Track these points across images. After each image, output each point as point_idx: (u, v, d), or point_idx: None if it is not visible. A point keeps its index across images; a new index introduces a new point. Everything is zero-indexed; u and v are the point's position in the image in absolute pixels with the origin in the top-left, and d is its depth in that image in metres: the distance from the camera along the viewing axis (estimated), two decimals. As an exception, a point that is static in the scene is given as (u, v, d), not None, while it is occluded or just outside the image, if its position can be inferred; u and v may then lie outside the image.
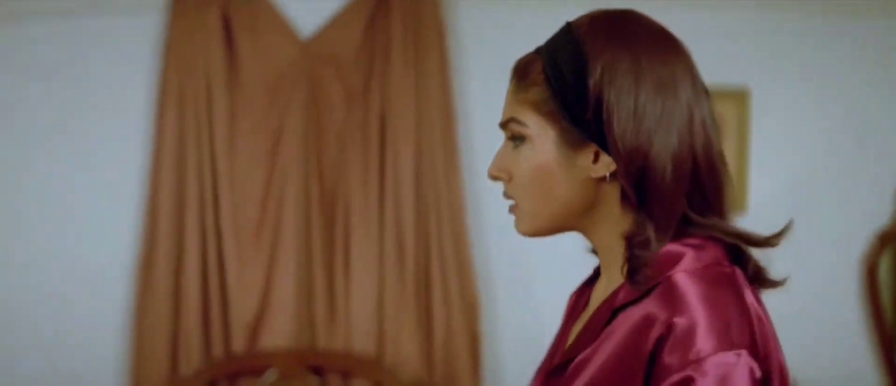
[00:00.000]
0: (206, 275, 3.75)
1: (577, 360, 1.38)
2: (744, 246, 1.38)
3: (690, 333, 1.27)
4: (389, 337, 3.75)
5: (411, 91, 3.77)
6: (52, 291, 3.83)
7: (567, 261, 4.04)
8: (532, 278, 4.01)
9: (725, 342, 1.27)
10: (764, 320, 1.34)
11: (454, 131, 3.83)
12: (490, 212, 3.92)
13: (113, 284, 3.83)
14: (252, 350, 3.80)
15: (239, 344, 3.77)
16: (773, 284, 1.43)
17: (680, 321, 1.28)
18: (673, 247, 1.34)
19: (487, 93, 4.02)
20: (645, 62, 1.31)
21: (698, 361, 1.26)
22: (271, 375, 3.76)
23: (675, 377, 1.26)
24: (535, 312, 3.93)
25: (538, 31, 1.50)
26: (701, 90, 1.37)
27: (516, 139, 1.39)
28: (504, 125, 1.41)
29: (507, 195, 1.44)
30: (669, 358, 1.28)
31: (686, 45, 1.37)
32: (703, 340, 1.27)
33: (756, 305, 1.35)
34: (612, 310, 1.37)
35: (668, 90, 1.32)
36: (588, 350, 1.37)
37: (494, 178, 1.45)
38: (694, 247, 1.34)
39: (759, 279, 1.41)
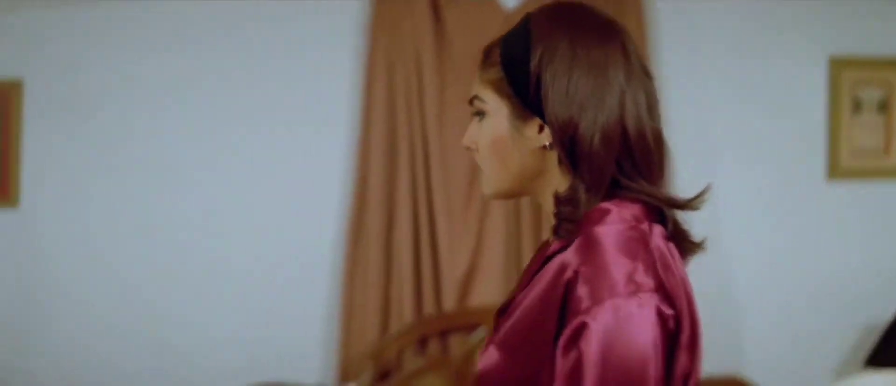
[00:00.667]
0: (417, 238, 4.02)
1: (513, 301, 1.55)
2: (665, 208, 1.51)
3: (592, 279, 1.41)
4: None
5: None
6: (265, 257, 4.28)
7: (754, 224, 3.83)
8: (725, 238, 3.98)
9: (627, 287, 1.39)
10: (674, 271, 1.45)
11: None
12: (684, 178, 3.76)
13: (323, 248, 4.22)
14: (462, 308, 4.00)
15: (449, 304, 3.99)
16: (693, 244, 1.56)
17: (585, 269, 1.42)
18: (601, 205, 1.48)
19: (679, 75, 3.90)
20: (580, 48, 1.48)
21: (594, 307, 1.38)
22: (480, 332, 3.92)
23: (575, 322, 1.39)
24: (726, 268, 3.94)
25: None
26: (637, 73, 1.50)
27: (479, 114, 1.58)
28: (470, 102, 1.59)
29: (477, 162, 1.63)
30: (573, 303, 1.41)
31: (626, 34, 1.52)
32: (601, 287, 1.39)
33: (668, 257, 1.47)
34: (543, 259, 1.53)
35: (600, 72, 1.47)
36: (521, 293, 1.53)
37: (466, 147, 1.62)
38: (618, 206, 1.47)
39: (680, 239, 1.54)
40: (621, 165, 1.48)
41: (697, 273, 3.55)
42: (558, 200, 1.49)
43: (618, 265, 1.41)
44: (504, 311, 1.57)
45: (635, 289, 1.39)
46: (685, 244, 1.55)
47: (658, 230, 1.49)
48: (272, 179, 4.31)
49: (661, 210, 1.51)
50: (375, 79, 4.06)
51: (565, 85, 1.46)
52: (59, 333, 4.45)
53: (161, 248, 4.37)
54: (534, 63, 1.48)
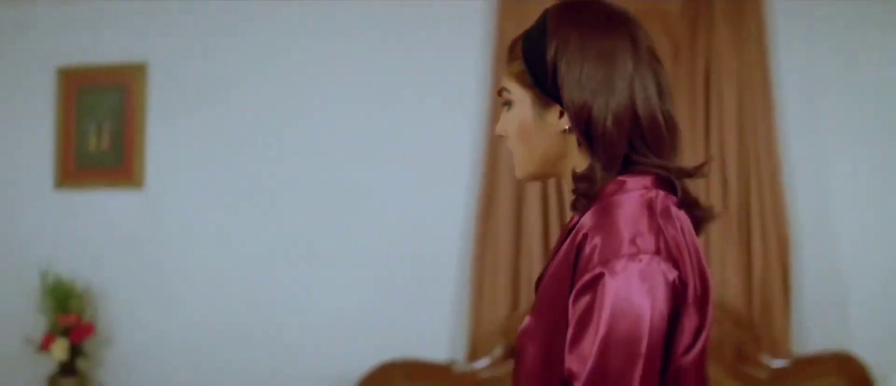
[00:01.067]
0: (546, 214, 4.23)
1: (544, 272, 1.72)
2: (675, 179, 1.65)
3: (602, 240, 1.56)
4: (714, 268, 4.05)
5: (732, 48, 4.14)
6: (396, 234, 4.44)
7: (868, 198, 4.16)
8: (833, 215, 4.24)
9: (631, 248, 1.53)
10: (680, 235, 1.60)
11: (770, 86, 4.16)
12: (796, 157, 4.22)
13: (454, 225, 4.37)
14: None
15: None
16: (704, 211, 1.70)
17: (595, 231, 1.58)
18: (617, 178, 1.64)
19: (796, 57, 4.27)
20: (589, 39, 1.64)
21: (603, 264, 1.53)
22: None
23: (589, 274, 1.54)
24: (834, 245, 4.19)
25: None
26: (646, 60, 1.65)
27: (506, 104, 1.74)
28: (499, 93, 1.76)
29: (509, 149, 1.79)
30: (583, 260, 1.57)
31: (635, 25, 1.68)
32: (609, 247, 1.55)
33: (675, 222, 1.61)
34: (567, 232, 1.71)
35: (609, 61, 1.62)
36: (549, 263, 1.72)
37: (498, 135, 1.77)
38: (631, 178, 1.63)
39: (689, 206, 1.68)
40: (634, 144, 1.62)
41: (805, 250, 4.09)
42: (575, 176, 1.66)
43: (626, 228, 1.55)
44: (539, 279, 1.74)
45: (636, 251, 1.52)
46: (696, 211, 1.69)
47: (668, 199, 1.63)
48: (403, 158, 4.45)
49: (672, 182, 1.65)
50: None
51: (578, 73, 1.61)
52: (185, 312, 4.55)
53: (287, 228, 4.51)
54: (550, 55, 1.64)
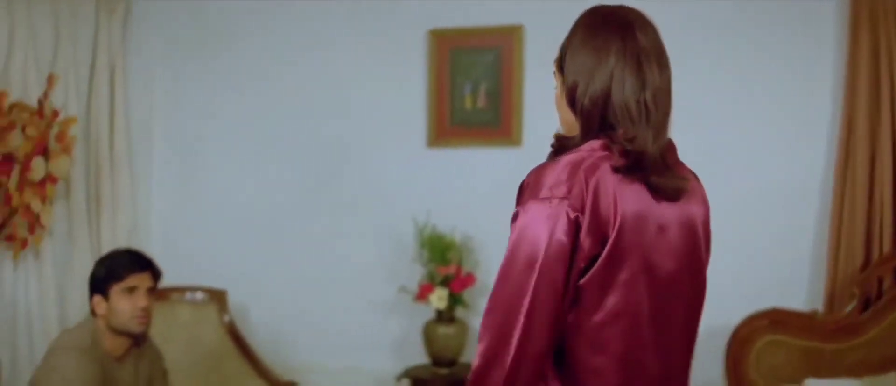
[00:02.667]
0: None
1: None
2: (625, 145, 1.97)
3: (529, 185, 1.96)
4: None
5: None
6: (757, 188, 4.60)
7: None
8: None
9: (545, 193, 1.92)
10: (599, 189, 1.92)
11: None
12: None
13: (814, 179, 4.54)
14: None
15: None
16: (664, 180, 1.99)
17: (528, 178, 1.98)
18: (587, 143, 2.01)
19: None
20: (588, 36, 2.03)
21: (521, 204, 1.95)
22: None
23: (513, 214, 1.97)
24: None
25: None
26: (632, 60, 2.00)
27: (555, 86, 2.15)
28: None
29: None
30: (516, 201, 1.99)
31: (632, 32, 2.01)
32: (529, 191, 1.95)
33: (598, 175, 1.93)
34: None
35: (597, 56, 2.00)
36: None
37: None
38: (589, 142, 1.99)
39: (645, 172, 1.98)
40: (609, 121, 1.99)
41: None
42: (557, 136, 2.09)
43: (549, 177, 1.94)
44: None
45: (550, 196, 1.91)
46: (650, 179, 1.98)
47: (606, 160, 1.96)
48: (765, 121, 4.59)
49: (625, 150, 1.98)
50: (860, 26, 4.34)
51: (573, 61, 2.04)
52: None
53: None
54: (564, 45, 2.08)
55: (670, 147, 2.09)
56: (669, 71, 2.07)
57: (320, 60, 5.14)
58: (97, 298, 3.44)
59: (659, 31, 2.06)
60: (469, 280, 4.68)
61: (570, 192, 1.92)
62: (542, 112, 4.70)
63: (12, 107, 4.35)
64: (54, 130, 4.50)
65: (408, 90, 5.01)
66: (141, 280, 3.44)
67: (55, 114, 4.51)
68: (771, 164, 4.59)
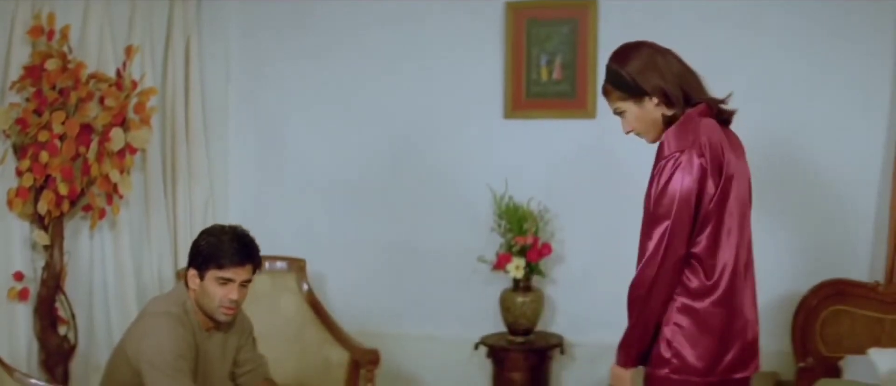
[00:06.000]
0: None
1: None
2: (713, 105, 2.95)
3: (665, 142, 2.86)
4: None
5: None
6: (819, 160, 4.64)
7: None
8: None
9: (679, 146, 2.81)
10: (713, 140, 2.84)
11: None
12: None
13: (874, 155, 4.55)
14: None
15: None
16: (727, 115, 3.00)
17: (666, 137, 2.87)
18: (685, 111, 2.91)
19: None
20: (637, 61, 2.91)
21: (670, 155, 2.81)
22: None
23: (660, 164, 2.83)
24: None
25: None
26: (667, 57, 2.92)
27: (621, 114, 3.00)
28: (615, 113, 3.07)
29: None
30: (657, 156, 2.88)
31: (655, 47, 2.94)
32: (667, 146, 2.84)
33: (708, 128, 2.85)
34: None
35: (651, 64, 2.90)
36: None
37: (629, 132, 3.06)
38: (690, 109, 2.90)
39: (723, 118, 2.99)
40: (686, 93, 2.90)
41: None
42: (665, 117, 2.91)
43: (675, 138, 2.84)
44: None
45: (682, 147, 2.81)
46: (723, 115, 2.98)
47: (706, 113, 2.91)
48: (831, 90, 4.61)
49: (710, 105, 2.93)
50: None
51: (645, 76, 2.88)
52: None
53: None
54: (628, 76, 2.91)
55: None
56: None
57: (399, 32, 5.16)
58: (192, 272, 3.42)
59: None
60: (546, 250, 4.69)
61: (692, 144, 2.80)
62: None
63: (90, 77, 4.37)
64: (133, 101, 4.52)
65: (485, 62, 5.02)
66: (239, 273, 3.39)
67: (134, 85, 4.52)
68: (835, 138, 4.61)
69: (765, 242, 4.52)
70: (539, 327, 4.86)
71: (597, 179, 4.87)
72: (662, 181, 2.79)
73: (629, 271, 2.91)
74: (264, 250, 3.54)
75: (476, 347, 4.86)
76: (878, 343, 4.31)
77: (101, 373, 3.60)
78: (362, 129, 5.25)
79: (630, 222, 4.73)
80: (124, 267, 4.70)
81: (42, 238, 4.24)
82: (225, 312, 3.40)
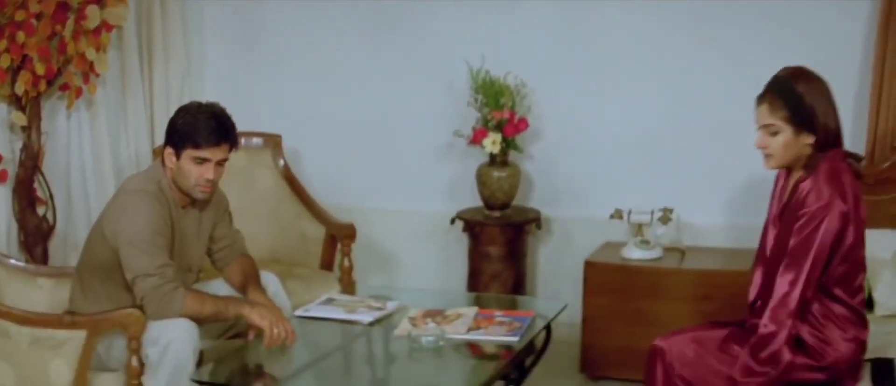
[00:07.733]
0: None
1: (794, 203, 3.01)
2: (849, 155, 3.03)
3: (811, 191, 2.91)
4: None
5: None
6: None
7: None
8: None
9: (833, 194, 2.86)
10: (850, 184, 2.91)
11: None
12: None
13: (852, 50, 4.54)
14: None
15: None
16: (858, 167, 3.10)
17: (809, 185, 2.92)
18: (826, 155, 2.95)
19: None
20: (819, 94, 2.96)
21: (826, 204, 2.86)
22: None
23: (812, 208, 2.89)
24: None
25: None
26: (827, 96, 2.97)
27: (773, 133, 2.97)
28: (766, 126, 3.01)
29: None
30: (805, 204, 2.91)
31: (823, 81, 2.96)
32: (820, 194, 2.88)
33: (848, 176, 2.93)
34: (795, 186, 3.02)
35: (827, 99, 2.96)
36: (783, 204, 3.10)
37: (760, 148, 3.03)
38: (832, 152, 2.95)
39: (855, 167, 3.04)
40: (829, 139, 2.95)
41: None
42: (810, 157, 2.95)
43: (826, 183, 2.89)
44: (783, 212, 3.07)
45: (832, 196, 2.87)
46: (855, 167, 3.04)
47: (845, 162, 2.98)
48: None
49: (847, 154, 3.01)
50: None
51: (817, 113, 2.92)
52: (610, 109, 4.76)
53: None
54: (808, 104, 2.92)
55: None
56: None
57: None
58: (169, 151, 3.43)
59: None
60: (522, 125, 4.71)
61: (840, 192, 2.87)
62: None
63: (65, -46, 4.31)
64: (109, -23, 4.46)
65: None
66: (215, 153, 3.39)
67: (108, -39, 4.46)
68: (818, 14, 4.59)
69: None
70: (516, 202, 4.90)
71: (574, 55, 4.86)
72: (818, 224, 2.86)
73: (605, 146, 2.94)
74: (240, 126, 3.54)
75: (452, 221, 4.91)
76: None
77: (80, 251, 3.65)
78: (339, 2, 5.19)
79: (606, 98, 4.91)
80: (101, 146, 4.70)
81: (19, 119, 4.23)
82: (202, 191, 3.43)
